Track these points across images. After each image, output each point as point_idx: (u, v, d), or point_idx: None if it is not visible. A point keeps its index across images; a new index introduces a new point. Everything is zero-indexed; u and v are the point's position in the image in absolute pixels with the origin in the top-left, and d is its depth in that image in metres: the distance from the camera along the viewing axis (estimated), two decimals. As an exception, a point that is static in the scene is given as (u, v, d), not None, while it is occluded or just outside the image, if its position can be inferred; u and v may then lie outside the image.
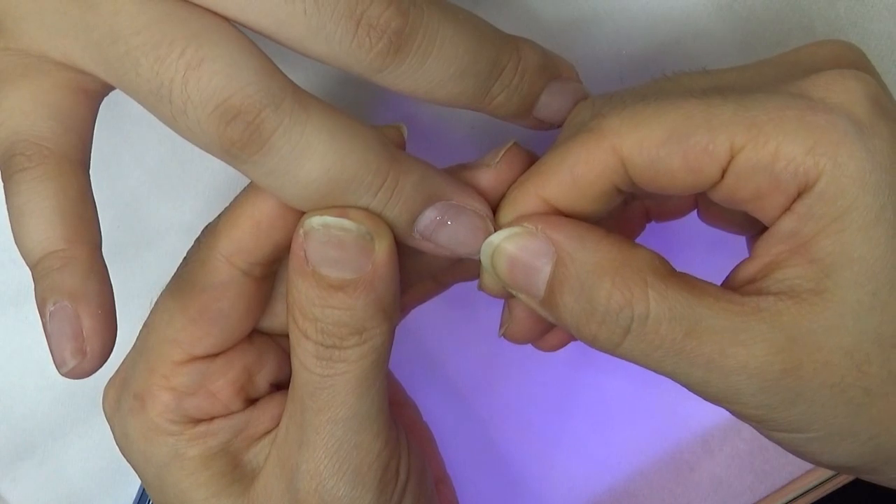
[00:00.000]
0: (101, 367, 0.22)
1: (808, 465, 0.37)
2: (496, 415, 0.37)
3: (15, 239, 0.23)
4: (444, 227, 0.24)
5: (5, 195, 0.23)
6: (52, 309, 0.22)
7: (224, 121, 0.22)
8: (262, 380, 0.27)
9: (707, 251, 0.33)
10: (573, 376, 0.37)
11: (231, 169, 0.23)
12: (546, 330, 0.28)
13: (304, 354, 0.24)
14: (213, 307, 0.25)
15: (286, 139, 0.22)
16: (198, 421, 0.26)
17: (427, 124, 0.34)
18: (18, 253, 0.23)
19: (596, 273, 0.23)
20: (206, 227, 0.26)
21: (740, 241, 0.28)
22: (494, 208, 0.25)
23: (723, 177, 0.22)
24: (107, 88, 0.24)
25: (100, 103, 0.25)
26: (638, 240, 0.31)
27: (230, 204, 0.26)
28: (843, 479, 0.37)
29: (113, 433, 0.27)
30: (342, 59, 0.23)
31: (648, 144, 0.22)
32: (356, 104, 0.33)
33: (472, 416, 0.37)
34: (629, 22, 0.33)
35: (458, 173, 0.25)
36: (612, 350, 0.23)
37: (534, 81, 0.25)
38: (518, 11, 0.32)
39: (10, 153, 0.23)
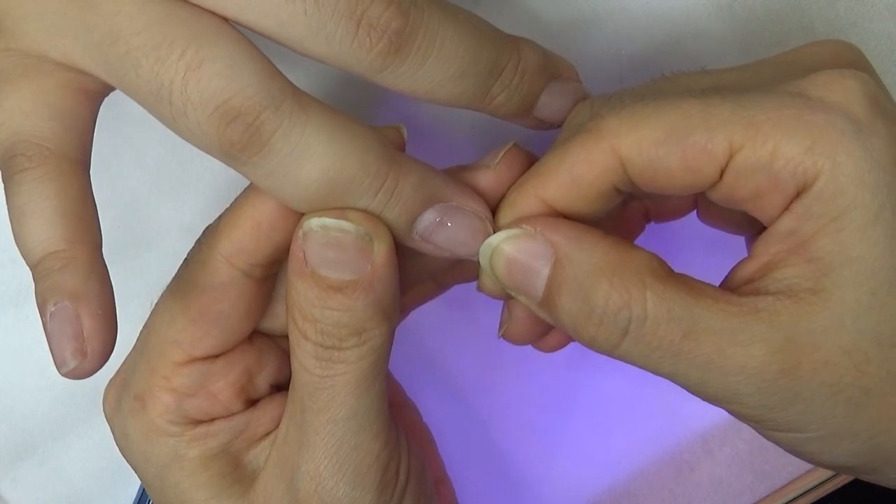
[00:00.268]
0: (101, 367, 0.22)
1: (808, 465, 0.37)
2: (496, 415, 0.37)
3: (16, 239, 0.23)
4: (443, 229, 0.24)
5: (6, 195, 0.23)
6: (52, 309, 0.22)
7: (224, 122, 0.22)
8: (263, 381, 0.27)
9: (706, 252, 0.33)
10: (573, 377, 0.37)
11: (231, 169, 0.23)
12: (546, 331, 0.28)
13: (304, 355, 0.24)
14: (213, 308, 0.25)
15: (286, 141, 0.22)
16: (198, 422, 0.26)
17: (427, 124, 0.34)
18: (18, 253, 0.23)
19: (594, 275, 0.23)
20: (207, 228, 0.26)
21: (740, 242, 0.28)
22: (494, 209, 0.25)
23: (721, 176, 0.22)
24: (107, 89, 0.24)
25: (100, 104, 0.25)
26: (637, 240, 0.31)
27: (230, 205, 0.26)
28: (843, 479, 0.37)
29: (113, 434, 0.27)
30: (342, 60, 0.23)
31: (647, 144, 0.22)
32: (356, 105, 0.33)
33: (472, 416, 0.37)
34: (629, 22, 0.33)
35: (457, 174, 0.25)
36: (611, 352, 0.23)
37: (534, 81, 0.25)
38: (518, 11, 0.32)
39: (11, 153, 0.23)
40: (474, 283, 0.27)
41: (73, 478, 0.36)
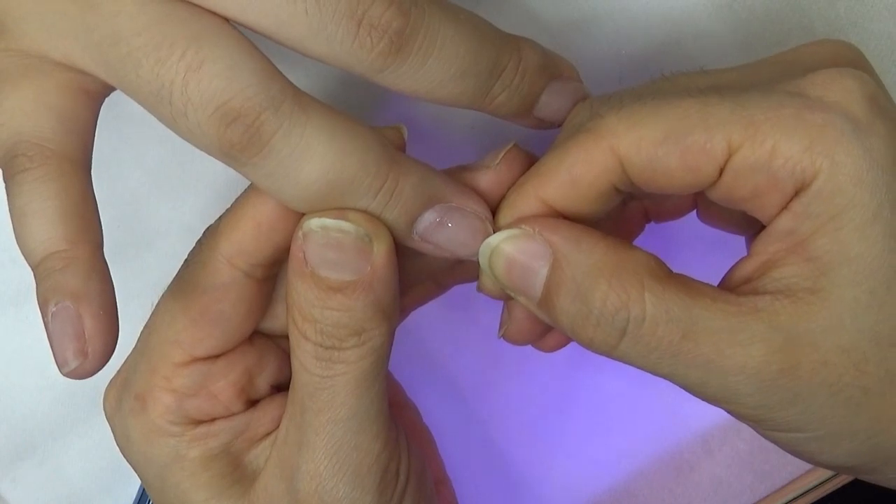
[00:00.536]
0: (102, 367, 0.22)
1: (808, 465, 0.37)
2: (496, 415, 0.37)
3: (17, 239, 0.23)
4: (443, 229, 0.24)
5: (7, 196, 0.23)
6: (54, 309, 0.22)
7: (224, 123, 0.22)
8: (263, 381, 0.27)
9: (706, 251, 0.33)
10: (573, 377, 0.37)
11: (231, 169, 0.23)
12: (545, 331, 0.28)
13: (304, 355, 0.24)
14: (214, 308, 0.25)
15: (286, 141, 0.22)
16: (199, 422, 0.26)
17: (427, 124, 0.34)
18: (19, 253, 0.23)
19: (592, 275, 0.23)
20: (208, 228, 0.26)
21: (739, 242, 0.28)
22: (494, 210, 0.25)
23: (720, 176, 0.22)
24: (108, 89, 0.24)
25: (101, 104, 0.25)
26: (637, 240, 0.31)
27: (231, 206, 0.26)
28: (843, 479, 0.37)
29: (113, 434, 0.27)
30: (343, 60, 0.23)
31: (646, 144, 0.22)
32: (356, 105, 0.33)
33: (472, 416, 0.37)
34: (629, 22, 0.33)
35: (457, 175, 0.25)
36: (609, 352, 0.23)
37: (534, 81, 0.25)
38: (518, 11, 0.32)
39: (12, 154, 0.23)
40: (474, 284, 0.27)
41: (73, 478, 0.36)
